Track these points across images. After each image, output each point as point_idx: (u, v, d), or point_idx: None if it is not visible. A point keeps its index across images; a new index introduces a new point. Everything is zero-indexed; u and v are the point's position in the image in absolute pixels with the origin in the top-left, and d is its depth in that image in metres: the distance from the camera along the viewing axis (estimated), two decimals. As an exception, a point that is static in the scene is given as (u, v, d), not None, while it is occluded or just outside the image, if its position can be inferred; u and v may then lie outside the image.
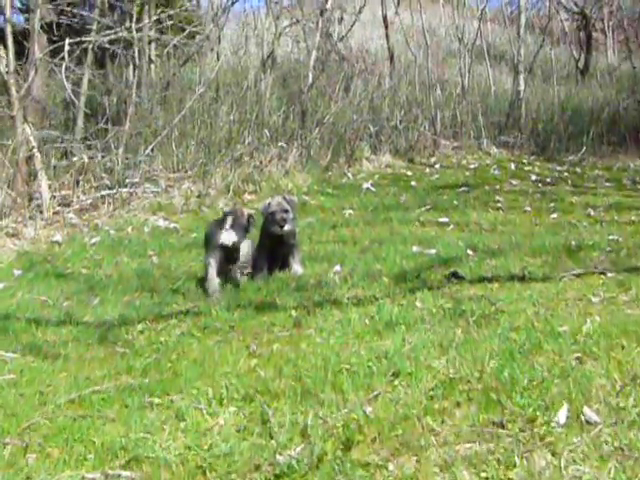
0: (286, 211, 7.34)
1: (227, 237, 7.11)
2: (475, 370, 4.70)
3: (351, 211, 10.94)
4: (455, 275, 7.11)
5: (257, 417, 4.39)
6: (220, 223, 7.22)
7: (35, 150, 10.84)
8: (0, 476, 3.90)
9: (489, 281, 6.90)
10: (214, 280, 7.15)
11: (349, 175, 13.81)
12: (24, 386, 5.16)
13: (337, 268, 7.77)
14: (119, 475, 3.84)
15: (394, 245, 8.76)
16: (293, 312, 6.36)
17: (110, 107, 13.20)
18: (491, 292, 6.55)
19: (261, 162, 12.74)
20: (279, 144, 13.19)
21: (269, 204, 7.47)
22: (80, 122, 12.05)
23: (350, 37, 16.59)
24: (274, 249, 7.58)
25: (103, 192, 11.65)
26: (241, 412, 4.52)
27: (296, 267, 7.69)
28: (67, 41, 11.51)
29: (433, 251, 8.31)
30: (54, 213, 10.92)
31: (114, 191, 11.64)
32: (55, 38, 12.26)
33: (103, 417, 4.56)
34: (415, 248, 8.48)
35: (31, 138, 10.82)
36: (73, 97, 12.05)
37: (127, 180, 12.04)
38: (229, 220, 7.17)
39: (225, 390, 4.77)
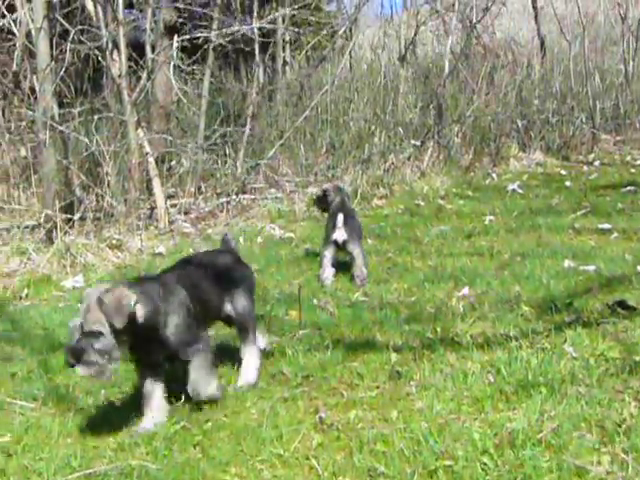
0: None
1: (339, 234, 6.51)
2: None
3: (492, 217, 8.78)
4: (622, 305, 4.91)
5: None
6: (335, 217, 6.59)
7: (150, 156, 9.49)
8: None
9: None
10: (328, 268, 6.54)
11: (493, 176, 11.57)
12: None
13: (464, 291, 5.78)
14: None
15: (540, 259, 6.62)
16: (393, 356, 4.44)
17: (236, 110, 11.73)
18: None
19: (393, 163, 10.81)
20: (414, 143, 11.20)
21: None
22: (202, 125, 10.64)
23: (496, 28, 14.32)
24: None
25: (223, 199, 10.16)
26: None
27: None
28: (176, 38, 10.13)
29: (591, 267, 6.12)
30: (170, 222, 9.52)
31: (235, 197, 10.13)
32: (179, 39, 10.91)
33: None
34: (567, 263, 6.33)
35: (145, 143, 9.48)
36: (185, 99, 10.67)
37: (249, 185, 10.51)
38: (340, 217, 6.51)
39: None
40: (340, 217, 6.52)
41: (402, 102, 11.91)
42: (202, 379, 3.87)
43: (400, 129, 11.39)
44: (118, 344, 3.60)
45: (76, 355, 3.52)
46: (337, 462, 3.21)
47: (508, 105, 12.63)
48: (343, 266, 6.70)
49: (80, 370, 3.54)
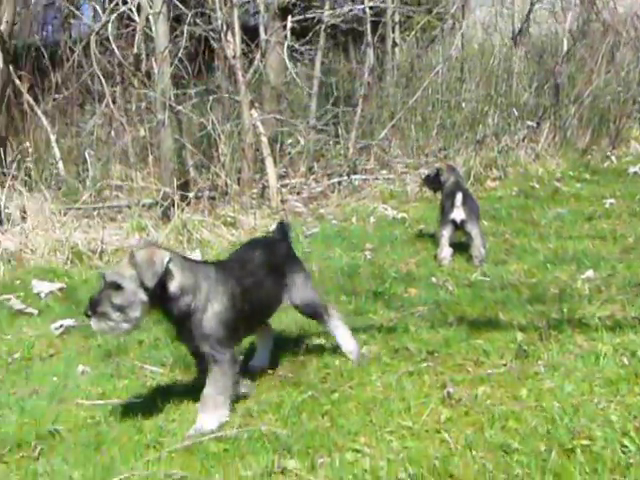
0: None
1: (457, 214, 6.43)
2: None
3: (612, 200, 8.45)
4: None
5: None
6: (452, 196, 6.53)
7: (263, 136, 9.61)
8: None
9: None
10: (446, 248, 6.47)
11: (612, 158, 11.10)
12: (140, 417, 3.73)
13: (589, 274, 5.60)
14: None
15: (668, 243, 6.35)
16: (519, 335, 4.34)
17: (346, 90, 11.72)
18: None
19: (507, 145, 10.55)
20: (528, 124, 10.89)
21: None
22: (314, 106, 10.67)
23: (617, 3, 13.65)
24: None
25: (334, 180, 10.20)
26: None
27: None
28: (289, 19, 10.17)
29: None
30: (282, 201, 9.64)
31: (346, 178, 10.15)
32: (292, 20, 10.95)
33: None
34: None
35: (258, 123, 9.61)
36: (301, 80, 10.72)
37: (360, 167, 10.50)
38: (459, 196, 6.42)
39: (386, 463, 2.96)
40: (459, 196, 6.43)
41: (516, 82, 11.59)
42: (211, 402, 3.57)
43: (514, 110, 11.10)
44: (142, 309, 3.47)
45: (92, 306, 3.43)
46: (468, 436, 3.17)
47: (630, 84, 12.07)
48: (459, 246, 6.61)
49: (92, 322, 3.46)
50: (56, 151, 10.26)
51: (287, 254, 4.29)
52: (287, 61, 10.12)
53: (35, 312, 6.09)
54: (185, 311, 3.57)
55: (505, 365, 3.96)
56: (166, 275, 3.49)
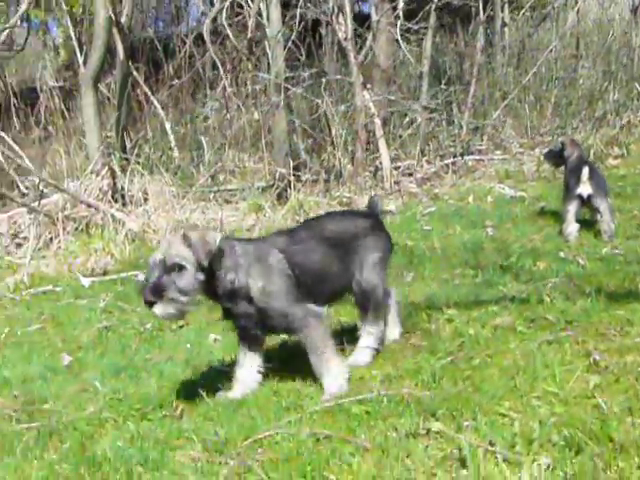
0: None
1: (584, 189, 6.15)
2: None
3: None
4: None
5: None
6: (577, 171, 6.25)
7: (375, 117, 9.54)
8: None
9: None
10: (572, 223, 6.21)
11: None
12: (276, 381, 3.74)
13: None
14: None
15: None
16: (664, 306, 4.13)
17: (456, 71, 11.49)
18: None
19: (629, 122, 10.08)
20: (653, 99, 10.42)
21: None
22: (425, 86, 10.52)
23: None
24: None
25: (447, 160, 10.03)
26: (559, 468, 2.60)
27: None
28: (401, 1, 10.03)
29: None
30: (395, 183, 9.56)
31: (459, 159, 9.97)
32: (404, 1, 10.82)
33: (353, 442, 2.94)
34: None
35: (371, 104, 9.55)
36: (414, 61, 10.58)
37: (473, 147, 10.29)
38: (586, 171, 6.14)
39: (539, 426, 2.84)
40: (585, 170, 6.17)
41: (637, 56, 11.07)
42: (322, 365, 3.50)
43: (636, 84, 10.61)
44: (200, 290, 3.44)
45: (158, 292, 3.28)
46: (622, 402, 3.02)
47: None
48: (585, 223, 6.36)
49: (157, 309, 3.30)
50: (171, 138, 10.53)
51: (370, 227, 4.02)
52: (400, 41, 9.98)
53: (162, 287, 6.26)
54: (238, 288, 3.51)
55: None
56: (218, 254, 3.45)
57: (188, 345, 4.59)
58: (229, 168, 9.90)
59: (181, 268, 3.35)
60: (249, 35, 9.80)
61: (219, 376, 3.95)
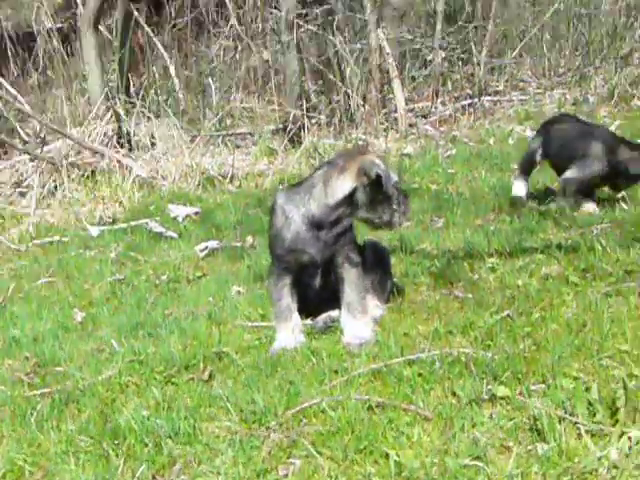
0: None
1: None
2: None
3: None
4: None
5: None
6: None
7: (390, 57, 9.02)
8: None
9: None
10: None
11: None
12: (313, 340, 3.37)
13: None
14: None
15: None
16: None
17: (472, 9, 10.90)
18: None
19: (655, 60, 9.59)
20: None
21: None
22: (439, 26, 9.94)
23: None
24: None
25: (463, 102, 9.55)
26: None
27: None
28: None
29: None
30: (409, 125, 9.09)
31: (476, 100, 9.48)
32: None
33: (410, 411, 2.58)
34: None
35: (385, 44, 9.00)
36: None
37: (490, 88, 9.79)
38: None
39: (622, 390, 2.47)
40: None
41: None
42: (359, 307, 3.33)
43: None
44: None
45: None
46: None
47: None
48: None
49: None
50: (176, 81, 10.01)
51: None
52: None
53: (175, 235, 5.87)
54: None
55: None
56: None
57: (210, 298, 4.19)
58: (238, 111, 9.41)
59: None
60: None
61: (247, 333, 3.58)
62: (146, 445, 2.60)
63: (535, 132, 6.04)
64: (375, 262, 3.64)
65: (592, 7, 10.55)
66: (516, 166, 5.91)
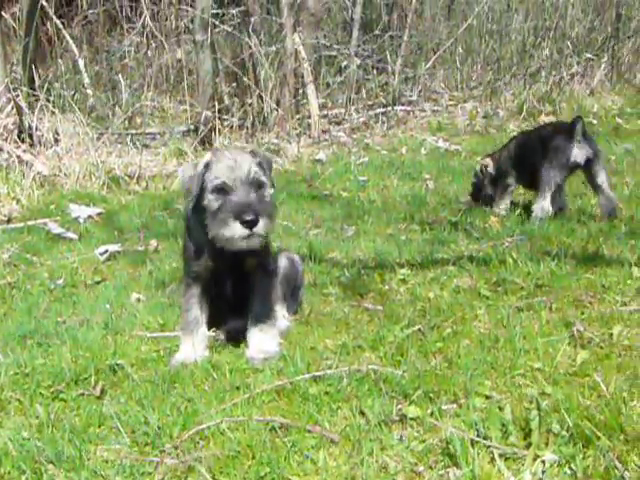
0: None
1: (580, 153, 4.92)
2: None
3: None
4: None
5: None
6: (568, 131, 4.91)
7: (305, 62, 8.86)
8: None
9: None
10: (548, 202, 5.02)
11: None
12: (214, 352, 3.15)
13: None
14: None
15: None
16: (635, 270, 3.73)
17: (389, 18, 10.89)
18: None
19: (561, 79, 9.77)
20: (586, 56, 10.08)
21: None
22: (355, 34, 9.87)
23: None
24: None
25: (377, 110, 9.50)
26: (567, 465, 2.13)
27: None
28: None
29: None
30: (322, 131, 8.96)
31: (389, 109, 9.45)
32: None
33: (316, 433, 2.39)
34: None
35: (301, 48, 8.85)
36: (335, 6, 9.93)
37: (404, 98, 9.78)
38: (579, 127, 4.88)
39: (536, 411, 2.36)
40: None
41: (571, 12, 10.72)
42: (270, 317, 3.12)
43: (568, 42, 10.27)
44: None
45: (257, 210, 2.84)
46: (622, 384, 2.58)
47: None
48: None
49: (260, 228, 2.84)
50: (85, 76, 9.55)
51: None
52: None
53: (75, 237, 5.50)
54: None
55: (626, 304, 3.35)
56: None
57: (107, 306, 3.89)
58: (148, 110, 9.05)
59: (262, 186, 2.98)
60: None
61: (145, 345, 3.32)
62: (24, 472, 2.31)
63: None
64: (289, 273, 3.45)
65: (503, 24, 10.71)
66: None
